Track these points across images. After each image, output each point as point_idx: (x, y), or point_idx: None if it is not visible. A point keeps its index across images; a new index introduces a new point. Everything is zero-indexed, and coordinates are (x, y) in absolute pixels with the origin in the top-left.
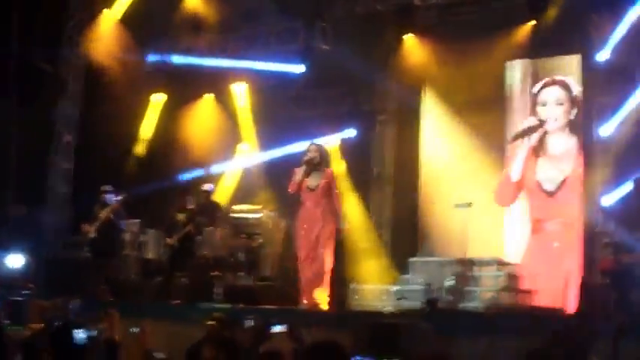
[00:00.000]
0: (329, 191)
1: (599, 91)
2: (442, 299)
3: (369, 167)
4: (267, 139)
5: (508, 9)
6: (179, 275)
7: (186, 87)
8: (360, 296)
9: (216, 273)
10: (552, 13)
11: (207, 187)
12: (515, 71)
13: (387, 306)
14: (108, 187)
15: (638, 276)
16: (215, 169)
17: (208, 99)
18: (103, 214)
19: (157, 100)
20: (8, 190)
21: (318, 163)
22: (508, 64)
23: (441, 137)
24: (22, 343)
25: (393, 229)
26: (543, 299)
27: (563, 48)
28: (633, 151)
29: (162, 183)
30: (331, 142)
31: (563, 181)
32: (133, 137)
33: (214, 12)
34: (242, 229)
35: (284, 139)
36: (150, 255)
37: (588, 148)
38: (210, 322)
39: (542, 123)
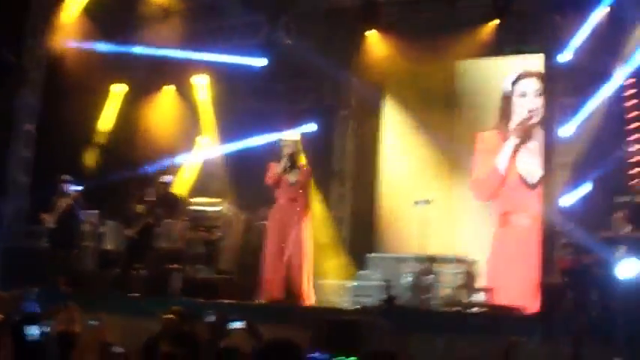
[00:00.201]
0: (306, 187)
1: (561, 91)
2: (400, 296)
3: (329, 162)
4: (228, 132)
5: (472, 7)
6: (137, 267)
7: (147, 78)
8: (318, 292)
9: (174, 266)
10: (516, 12)
11: (166, 178)
12: (476, 69)
13: (345, 302)
14: (67, 177)
15: (598, 276)
16: (175, 161)
17: (169, 90)
18: (63, 203)
19: (118, 91)
20: None
21: (296, 158)
22: (468, 62)
23: (401, 134)
24: None
25: (352, 225)
26: (505, 296)
27: (527, 47)
28: (593, 152)
29: (122, 174)
30: (292, 136)
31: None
32: (93, 127)
33: (178, 3)
34: (201, 221)
35: (245, 132)
36: (109, 246)
37: (549, 148)
38: (167, 316)
39: (531, 115)
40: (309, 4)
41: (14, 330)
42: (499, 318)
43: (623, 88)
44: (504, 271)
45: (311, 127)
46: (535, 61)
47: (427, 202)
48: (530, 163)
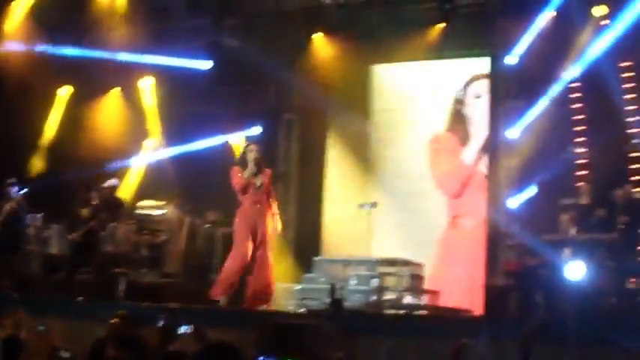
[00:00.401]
0: (270, 190)
1: (508, 94)
2: (346, 299)
3: (274, 165)
4: (174, 135)
5: (418, 10)
6: (82, 271)
7: (93, 81)
8: None
9: (119, 269)
10: (463, 15)
11: (111, 182)
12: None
13: (291, 305)
14: (13, 180)
15: (543, 278)
16: (121, 164)
17: (115, 93)
18: (7, 207)
19: (64, 94)
20: None
21: (261, 162)
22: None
23: (346, 136)
24: None
25: (297, 228)
26: (451, 298)
27: (473, 50)
28: (539, 155)
29: (68, 177)
30: (237, 139)
31: None
32: (38, 130)
33: (123, 6)
34: (146, 225)
35: (190, 135)
36: (53, 250)
37: (495, 150)
38: (113, 320)
39: None
40: (255, 7)
41: None
42: (446, 320)
43: (569, 90)
44: (451, 273)
45: (256, 129)
46: (482, 64)
47: (372, 205)
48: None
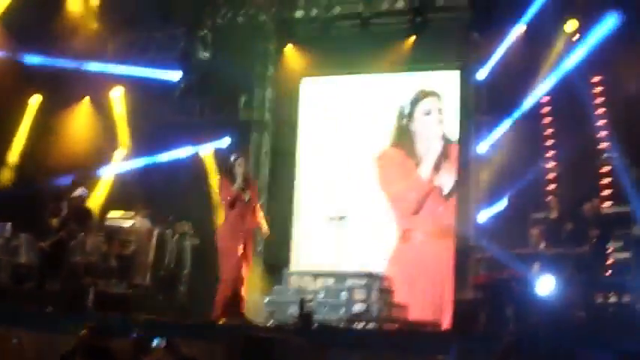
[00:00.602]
0: (256, 203)
1: (478, 108)
2: (315, 312)
3: None
4: (144, 145)
5: (389, 24)
6: (51, 282)
7: (63, 90)
8: None
9: (88, 280)
10: (433, 29)
11: (80, 192)
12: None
13: (260, 317)
14: None
15: (512, 292)
16: (90, 174)
17: (85, 103)
18: None
19: (34, 103)
20: None
21: (248, 176)
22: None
23: (317, 149)
24: None
25: (266, 240)
26: (416, 312)
27: (443, 64)
28: (509, 169)
29: (37, 186)
30: (206, 150)
31: None
32: (8, 139)
33: (95, 16)
34: (115, 235)
35: (160, 145)
36: (22, 259)
37: (465, 165)
38: (82, 332)
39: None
40: (227, 18)
41: None
42: (415, 334)
43: (539, 105)
44: (411, 286)
45: (225, 141)
46: (451, 78)
47: (341, 218)
48: (443, 176)
